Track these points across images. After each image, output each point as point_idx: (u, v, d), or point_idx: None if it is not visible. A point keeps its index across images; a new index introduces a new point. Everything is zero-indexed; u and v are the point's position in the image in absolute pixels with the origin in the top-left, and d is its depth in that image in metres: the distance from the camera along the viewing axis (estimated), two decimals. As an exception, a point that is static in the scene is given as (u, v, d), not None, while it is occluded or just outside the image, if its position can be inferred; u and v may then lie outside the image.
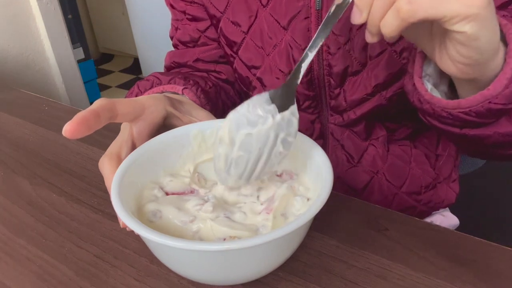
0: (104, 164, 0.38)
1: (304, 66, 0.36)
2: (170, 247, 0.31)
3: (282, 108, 0.37)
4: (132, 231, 0.32)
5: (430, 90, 0.42)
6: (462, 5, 0.28)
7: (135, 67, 3.01)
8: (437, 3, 0.28)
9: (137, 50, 2.40)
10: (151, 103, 0.42)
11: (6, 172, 0.58)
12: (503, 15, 0.39)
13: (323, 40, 0.34)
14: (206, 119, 0.45)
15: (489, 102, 0.37)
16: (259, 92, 0.61)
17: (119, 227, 0.46)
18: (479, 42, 0.32)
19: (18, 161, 0.60)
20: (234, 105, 0.66)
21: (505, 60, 0.36)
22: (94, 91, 2.21)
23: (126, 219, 0.32)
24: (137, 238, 0.44)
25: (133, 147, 0.41)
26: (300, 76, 0.36)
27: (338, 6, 0.32)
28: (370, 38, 0.33)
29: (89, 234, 0.46)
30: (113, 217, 0.47)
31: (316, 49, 0.35)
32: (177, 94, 0.52)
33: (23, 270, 0.42)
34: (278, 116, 0.36)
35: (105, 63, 3.21)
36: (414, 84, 0.42)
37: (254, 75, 0.60)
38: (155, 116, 0.42)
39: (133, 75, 2.93)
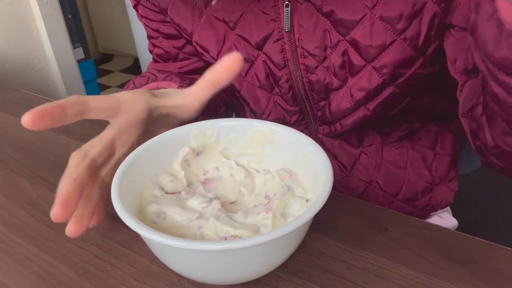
0: (70, 158, 0.37)
1: None
2: (171, 247, 0.31)
3: None
4: (133, 230, 0.32)
5: None
6: None
7: (135, 67, 3.01)
8: None
9: (137, 50, 2.40)
10: (128, 98, 0.40)
11: (6, 172, 0.58)
12: None
13: None
14: (187, 91, 0.44)
15: None
16: (247, 111, 0.60)
17: (119, 227, 0.46)
18: None
19: (18, 161, 0.60)
20: (226, 104, 0.66)
21: None
22: (94, 91, 2.20)
23: (127, 219, 0.32)
24: (138, 238, 0.44)
25: (109, 146, 0.39)
26: None
27: None
28: None
29: (89, 234, 0.45)
30: (113, 217, 0.47)
31: None
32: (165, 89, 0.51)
33: (23, 270, 0.42)
34: None
35: (105, 63, 3.21)
36: (499, 25, 0.29)
37: (238, 94, 0.59)
38: (136, 111, 0.40)
39: (133, 75, 2.93)
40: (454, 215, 0.68)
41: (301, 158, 0.41)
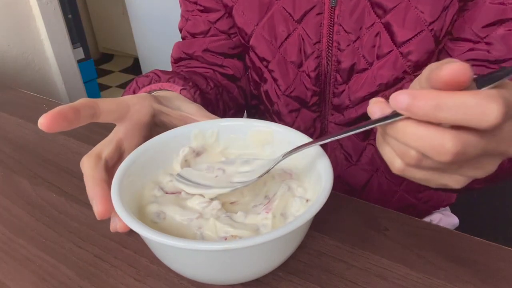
0: (83, 162, 0.38)
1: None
2: (171, 247, 0.31)
3: None
4: (133, 230, 0.32)
5: None
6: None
7: (135, 67, 3.01)
8: None
9: (137, 50, 2.40)
10: (135, 101, 0.41)
11: (6, 172, 0.58)
12: None
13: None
14: (197, 112, 0.45)
15: None
16: (271, 85, 0.62)
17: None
18: None
19: (18, 161, 0.60)
20: (237, 105, 0.66)
21: None
22: (94, 91, 2.21)
23: (127, 219, 0.32)
24: (137, 238, 0.44)
25: (118, 148, 0.40)
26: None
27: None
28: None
29: (89, 234, 0.46)
30: (113, 217, 0.47)
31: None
32: (167, 90, 0.52)
33: (23, 270, 0.42)
34: None
35: (105, 63, 3.21)
36: None
37: (266, 67, 0.60)
38: (142, 115, 0.41)
39: (133, 75, 2.93)
40: (454, 214, 0.69)
41: (301, 158, 0.41)
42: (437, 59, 0.52)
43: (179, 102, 0.46)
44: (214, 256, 0.31)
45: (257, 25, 0.57)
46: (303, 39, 0.55)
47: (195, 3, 0.63)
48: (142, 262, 0.41)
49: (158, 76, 0.56)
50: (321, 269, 0.39)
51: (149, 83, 0.55)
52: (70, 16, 1.96)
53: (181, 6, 0.66)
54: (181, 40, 0.68)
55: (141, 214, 0.37)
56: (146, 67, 2.39)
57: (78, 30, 2.06)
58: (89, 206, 0.50)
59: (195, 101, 0.52)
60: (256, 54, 0.60)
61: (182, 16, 0.67)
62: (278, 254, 0.35)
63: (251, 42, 0.59)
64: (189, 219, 0.37)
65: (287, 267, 0.39)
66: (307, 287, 0.38)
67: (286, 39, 0.56)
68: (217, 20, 0.63)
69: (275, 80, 0.61)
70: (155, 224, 0.36)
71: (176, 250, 0.32)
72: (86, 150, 0.61)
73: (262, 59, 0.60)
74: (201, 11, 0.63)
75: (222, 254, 0.31)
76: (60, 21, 1.53)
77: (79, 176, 0.56)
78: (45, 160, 0.60)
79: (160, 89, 0.52)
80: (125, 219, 0.32)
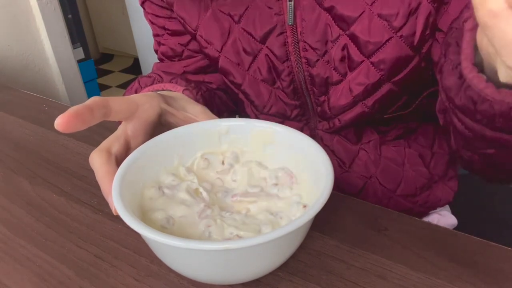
0: (94, 157, 0.38)
1: None
2: (171, 247, 0.31)
3: None
4: (133, 230, 0.32)
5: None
6: None
7: (135, 67, 3.01)
8: None
9: (137, 50, 2.40)
10: (144, 100, 0.41)
11: (6, 172, 0.58)
12: None
13: None
14: (201, 114, 0.45)
15: None
16: (247, 106, 0.61)
17: (119, 227, 0.46)
18: None
19: (18, 161, 0.60)
20: (228, 110, 0.66)
21: None
22: (94, 91, 2.20)
23: (128, 219, 0.32)
24: (138, 238, 0.44)
25: (126, 144, 0.40)
26: None
27: None
28: None
29: (89, 234, 0.46)
30: (113, 217, 0.47)
31: None
32: (171, 91, 0.52)
33: (23, 270, 0.42)
34: None
35: (105, 63, 3.21)
36: (461, 76, 0.32)
37: (238, 89, 0.59)
38: (149, 114, 0.41)
39: (133, 75, 2.93)
40: (453, 214, 0.68)
41: (302, 158, 0.41)
42: (426, 59, 0.50)
43: (184, 102, 0.46)
44: (214, 256, 0.31)
45: (221, 50, 0.57)
46: (270, 59, 0.54)
47: (163, 27, 0.62)
48: (142, 262, 0.41)
49: (160, 77, 0.56)
50: (321, 269, 0.39)
51: (152, 83, 0.55)
52: (70, 16, 1.96)
53: (152, 29, 0.65)
54: (158, 60, 0.67)
55: (145, 217, 0.37)
56: (146, 67, 2.39)
57: (78, 30, 2.06)
58: (89, 206, 0.50)
59: (197, 101, 0.52)
60: (226, 78, 0.59)
61: (154, 39, 0.66)
62: (279, 255, 0.35)
63: (219, 66, 0.58)
64: (197, 213, 0.37)
65: (287, 267, 0.39)
66: (307, 287, 0.38)
67: (253, 60, 0.55)
68: (189, 42, 0.61)
69: (250, 102, 0.60)
70: (165, 229, 0.36)
71: (176, 250, 0.32)
72: (86, 150, 0.62)
73: (232, 83, 0.59)
74: (171, 34, 0.62)
75: (222, 254, 0.31)
76: (60, 21, 1.53)
77: (79, 176, 0.56)
78: (45, 160, 0.60)
79: (163, 90, 0.52)
80: (126, 219, 0.32)
